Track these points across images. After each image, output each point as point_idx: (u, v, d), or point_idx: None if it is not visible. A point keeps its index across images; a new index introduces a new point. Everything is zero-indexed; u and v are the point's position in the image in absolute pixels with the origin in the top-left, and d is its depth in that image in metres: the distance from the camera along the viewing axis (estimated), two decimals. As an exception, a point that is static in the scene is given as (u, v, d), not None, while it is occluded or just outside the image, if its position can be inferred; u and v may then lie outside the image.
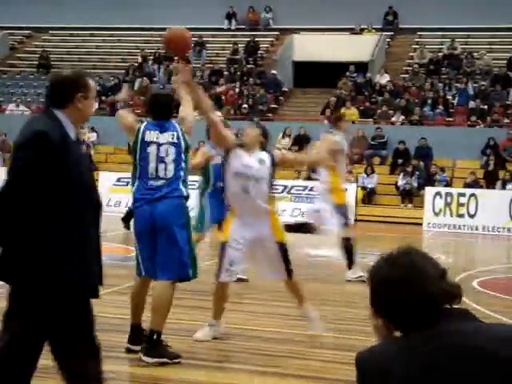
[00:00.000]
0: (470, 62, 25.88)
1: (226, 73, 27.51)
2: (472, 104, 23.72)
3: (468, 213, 19.12)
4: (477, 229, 18.79)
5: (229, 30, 30.59)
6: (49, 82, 4.10)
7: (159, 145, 5.77)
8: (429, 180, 20.85)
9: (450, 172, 21.52)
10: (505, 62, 25.56)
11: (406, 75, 26.19)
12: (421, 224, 19.16)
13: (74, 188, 3.77)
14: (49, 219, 3.71)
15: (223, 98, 25.71)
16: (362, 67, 26.33)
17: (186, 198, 5.74)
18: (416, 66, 26.22)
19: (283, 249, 6.36)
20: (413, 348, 2.13)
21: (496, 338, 2.12)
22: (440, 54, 26.44)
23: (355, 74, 26.20)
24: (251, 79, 26.83)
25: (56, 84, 3.97)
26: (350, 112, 24.07)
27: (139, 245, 5.72)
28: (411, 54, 27.46)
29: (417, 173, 21.14)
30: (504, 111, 23.38)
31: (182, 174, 5.72)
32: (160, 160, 5.74)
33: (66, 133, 3.82)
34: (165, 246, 5.55)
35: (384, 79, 25.75)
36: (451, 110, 23.84)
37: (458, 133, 22.18)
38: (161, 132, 5.80)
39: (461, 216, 19.16)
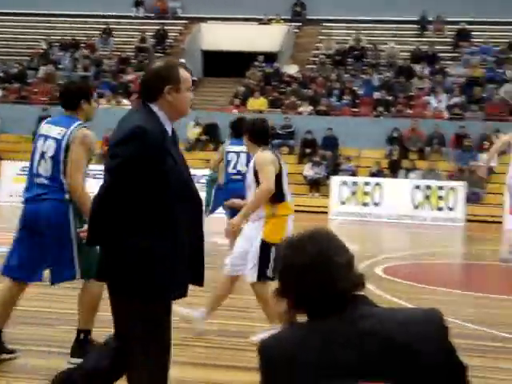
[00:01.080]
0: (375, 54, 26.43)
1: (134, 61, 27.22)
2: (377, 95, 24.24)
3: (373, 201, 19.58)
4: (381, 217, 19.26)
5: (136, 17, 30.25)
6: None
7: (46, 138, 5.28)
8: (335, 169, 21.24)
9: (356, 161, 21.96)
10: (409, 54, 26.21)
11: (314, 66, 26.53)
12: (327, 213, 19.51)
13: (172, 189, 3.60)
14: (144, 221, 3.55)
15: (132, 86, 25.44)
16: (270, 57, 26.51)
17: (67, 200, 5.22)
18: (323, 56, 26.59)
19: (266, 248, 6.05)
20: (318, 334, 2.15)
21: (396, 324, 2.15)
22: (346, 46, 26.90)
23: (264, 64, 26.37)
24: (160, 68, 26.61)
25: (146, 76, 3.79)
26: (259, 102, 24.23)
27: None
28: (318, 44, 27.82)
29: (324, 162, 21.50)
30: (407, 102, 23.99)
31: (62, 175, 5.21)
32: (41, 155, 5.28)
33: (164, 129, 3.66)
34: None
35: (292, 69, 26.00)
36: (357, 101, 24.30)
37: (363, 123, 22.65)
38: (55, 124, 5.35)
39: (366, 204, 19.60)
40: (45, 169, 5.24)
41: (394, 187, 19.70)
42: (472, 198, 19.95)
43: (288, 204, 6.25)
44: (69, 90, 5.48)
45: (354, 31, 27.11)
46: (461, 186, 19.57)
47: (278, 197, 6.11)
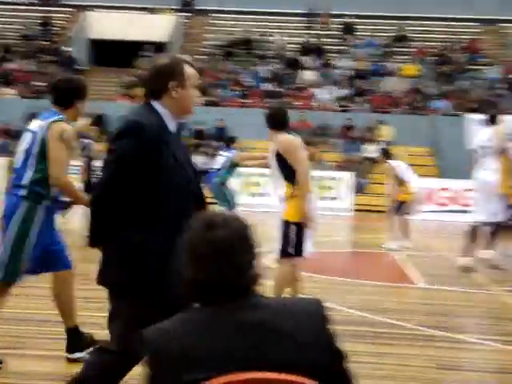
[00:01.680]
0: (264, 46, 26.62)
1: (17, 49, 26.41)
2: (266, 86, 24.43)
3: (261, 192, 19.74)
4: (270, 207, 19.38)
5: (21, 4, 29.34)
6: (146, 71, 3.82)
7: (27, 132, 5.15)
8: (225, 160, 21.29)
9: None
10: (297, 46, 26.53)
11: (203, 57, 26.48)
12: (216, 203, 19.50)
13: (169, 186, 3.53)
14: (136, 215, 3.49)
15: (14, 75, 24.69)
16: (159, 48, 26.28)
17: (27, 197, 5.02)
18: (212, 48, 26.57)
19: (286, 227, 6.38)
20: (207, 324, 2.14)
21: (282, 314, 2.18)
22: (235, 37, 26.97)
23: (153, 54, 26.09)
24: (45, 56, 25.95)
25: (149, 73, 3.68)
26: (148, 92, 24.02)
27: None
28: (207, 35, 27.77)
29: (214, 153, 21.51)
30: (296, 94, 24.30)
31: (30, 169, 5.02)
32: (19, 149, 5.18)
33: (164, 125, 3.57)
34: None
35: (181, 60, 25.87)
36: (246, 92, 24.42)
37: (253, 114, 22.76)
38: (39, 119, 5.15)
39: (254, 195, 19.73)
40: (17, 162, 5.12)
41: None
42: (358, 188, 20.43)
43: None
44: (65, 85, 5.18)
45: (244, 23, 27.21)
46: (348, 177, 20.00)
47: (296, 178, 6.38)
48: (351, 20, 27.28)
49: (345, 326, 6.37)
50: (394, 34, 27.28)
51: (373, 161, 20.79)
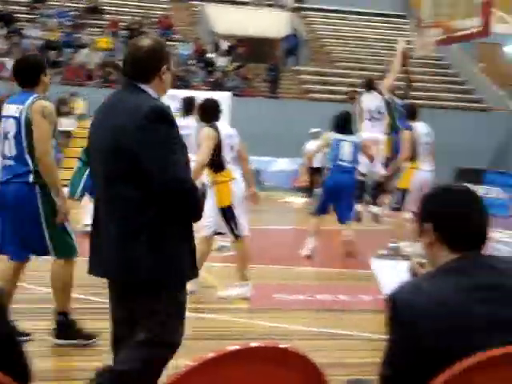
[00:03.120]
0: None
1: None
2: None
3: None
4: None
5: None
6: (127, 53, 3.53)
7: (7, 118, 5.22)
8: None
9: None
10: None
11: None
12: None
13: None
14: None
15: None
16: None
17: (32, 183, 5.12)
18: None
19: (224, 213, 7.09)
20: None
21: None
22: None
23: None
24: None
25: (139, 55, 3.44)
26: None
27: None
28: None
29: None
30: None
31: (28, 154, 5.10)
32: (5, 136, 5.20)
33: None
34: None
35: None
36: None
37: None
38: (12, 103, 5.25)
39: None
40: (9, 149, 5.18)
41: None
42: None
43: (227, 171, 7.09)
44: (27, 65, 5.31)
45: None
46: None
47: (217, 166, 7.03)
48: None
49: (32, 305, 6.13)
50: (86, 5, 26.83)
51: (68, 134, 20.29)
